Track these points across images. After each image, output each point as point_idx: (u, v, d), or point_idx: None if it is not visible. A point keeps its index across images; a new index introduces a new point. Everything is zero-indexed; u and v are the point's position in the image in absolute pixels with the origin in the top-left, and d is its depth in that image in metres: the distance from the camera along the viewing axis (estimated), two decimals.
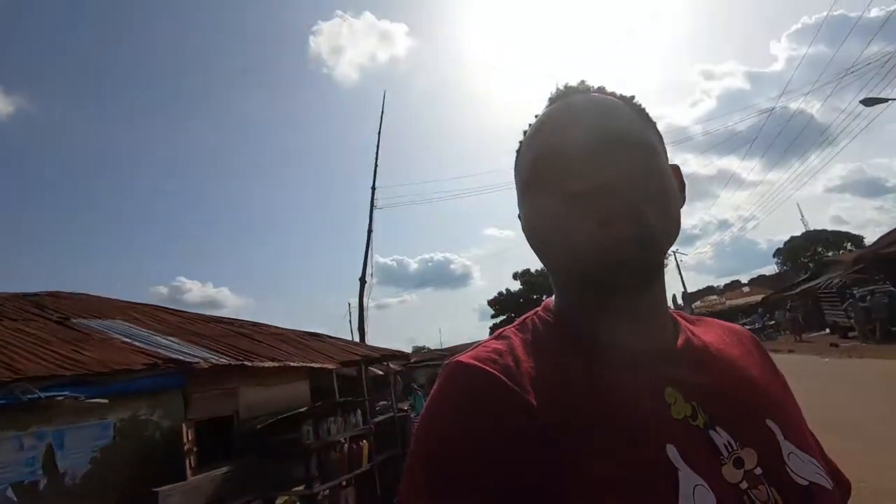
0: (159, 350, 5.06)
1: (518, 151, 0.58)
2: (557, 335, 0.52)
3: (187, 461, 4.34)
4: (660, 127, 0.59)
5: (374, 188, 16.59)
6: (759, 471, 0.45)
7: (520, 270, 40.04)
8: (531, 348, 0.50)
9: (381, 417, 7.72)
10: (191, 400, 4.79)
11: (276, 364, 5.54)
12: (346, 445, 5.57)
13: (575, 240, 0.47)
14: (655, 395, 0.47)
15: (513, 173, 0.59)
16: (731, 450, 0.46)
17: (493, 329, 40.59)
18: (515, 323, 0.56)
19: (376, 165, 16.98)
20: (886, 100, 9.28)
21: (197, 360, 4.83)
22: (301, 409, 5.21)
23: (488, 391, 0.44)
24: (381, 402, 8.60)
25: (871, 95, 10.32)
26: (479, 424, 0.42)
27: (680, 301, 33.16)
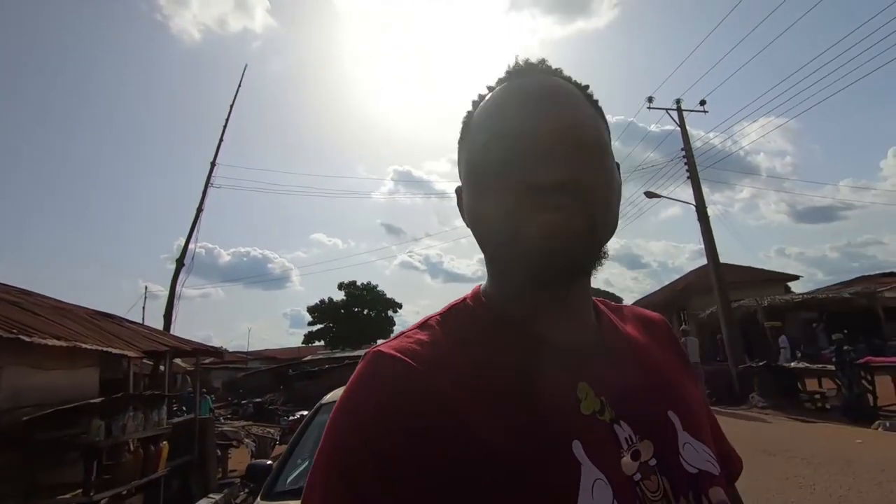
0: None
1: (466, 124, 0.56)
2: (483, 326, 0.52)
3: None
4: None
5: (213, 164, 14.86)
6: (653, 462, 0.48)
7: (346, 281, 39.64)
8: (455, 339, 0.50)
9: (179, 418, 6.84)
10: None
11: (65, 343, 4.53)
12: (140, 446, 4.80)
13: (526, 232, 0.46)
14: (569, 390, 0.48)
15: (456, 153, 0.58)
16: (630, 443, 0.48)
17: (307, 337, 39.15)
18: (441, 310, 0.55)
19: (221, 139, 15.28)
20: (661, 196, 12.44)
21: None
22: (93, 400, 4.35)
23: (406, 383, 0.44)
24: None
25: (648, 190, 13.56)
26: (395, 416, 0.42)
27: None
